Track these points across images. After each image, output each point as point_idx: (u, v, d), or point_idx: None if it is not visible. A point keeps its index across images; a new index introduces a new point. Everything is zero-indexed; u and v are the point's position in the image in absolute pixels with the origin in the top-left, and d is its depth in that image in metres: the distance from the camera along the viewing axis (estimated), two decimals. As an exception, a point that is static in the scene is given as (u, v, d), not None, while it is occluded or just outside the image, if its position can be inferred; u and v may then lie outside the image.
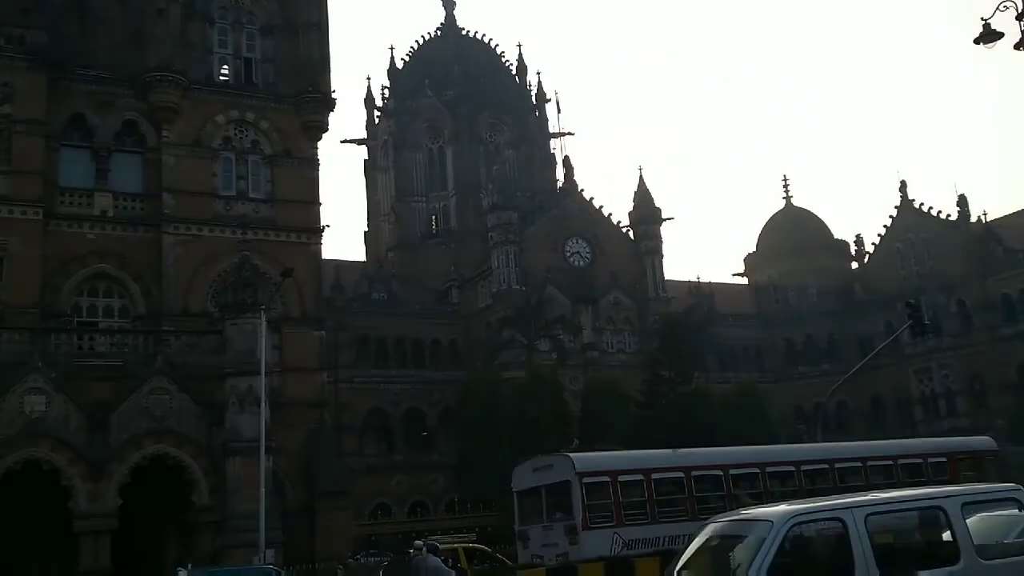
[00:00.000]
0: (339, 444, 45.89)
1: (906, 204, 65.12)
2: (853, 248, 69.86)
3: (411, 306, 60.12)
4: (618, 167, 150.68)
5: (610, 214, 64.56)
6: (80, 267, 32.29)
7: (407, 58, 77.95)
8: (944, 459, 22.30)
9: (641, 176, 65.72)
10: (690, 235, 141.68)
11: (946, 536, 9.15)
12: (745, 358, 66.79)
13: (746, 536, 8.58)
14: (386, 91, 76.70)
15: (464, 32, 78.68)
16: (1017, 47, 13.75)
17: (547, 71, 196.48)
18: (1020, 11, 13.73)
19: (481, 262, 61.58)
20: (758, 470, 20.18)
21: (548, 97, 77.32)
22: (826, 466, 20.97)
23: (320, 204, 36.87)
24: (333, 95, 37.71)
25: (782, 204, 73.61)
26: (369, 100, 77.96)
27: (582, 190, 64.66)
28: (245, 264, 28.25)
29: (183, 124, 34.78)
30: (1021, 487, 9.69)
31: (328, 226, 37.64)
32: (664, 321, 55.60)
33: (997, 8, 13.88)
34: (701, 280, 68.32)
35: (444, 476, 54.06)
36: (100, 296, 32.96)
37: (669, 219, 65.59)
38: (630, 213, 64.80)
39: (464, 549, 23.76)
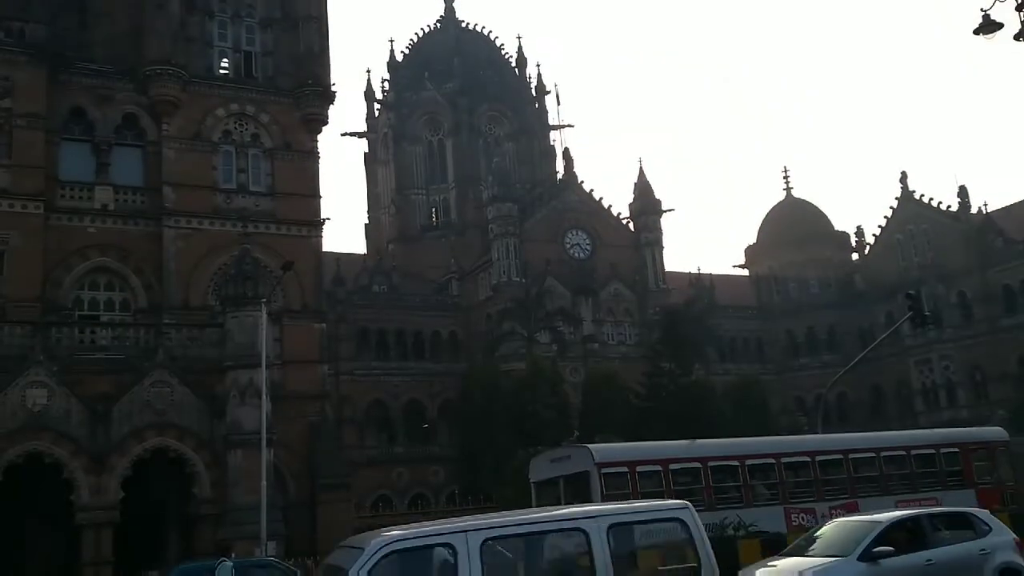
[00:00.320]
0: (340, 436, 46.02)
1: (906, 195, 65.10)
2: (854, 239, 69.87)
3: (411, 298, 60.14)
4: (618, 159, 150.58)
5: (610, 206, 64.58)
6: (81, 261, 32.34)
7: (407, 51, 77.88)
8: (956, 449, 22.51)
9: (641, 168, 65.76)
10: (690, 227, 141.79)
11: (585, 562, 8.09)
12: (746, 350, 66.88)
13: (346, 568, 7.68)
14: (386, 84, 76.61)
15: (464, 24, 78.56)
16: (1017, 37, 13.71)
17: (547, 63, 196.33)
18: (1020, 1, 13.70)
19: (481, 254, 61.61)
20: (773, 461, 20.42)
21: (548, 89, 77.29)
22: (840, 456, 21.19)
23: (320, 197, 36.92)
24: (333, 88, 37.73)
25: (783, 196, 73.60)
26: (369, 93, 77.89)
27: (582, 182, 64.65)
28: (246, 257, 28.29)
29: (183, 117, 34.80)
30: (689, 505, 8.74)
31: (328, 219, 37.75)
32: (664, 313, 55.62)
33: (996, -1, 13.85)
34: (701, 272, 68.34)
35: (444, 468, 54.21)
36: (101, 289, 33.02)
37: (669, 211, 65.58)
38: (630, 205, 64.78)
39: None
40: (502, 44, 79.44)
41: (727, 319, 64.75)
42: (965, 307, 60.34)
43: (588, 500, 18.33)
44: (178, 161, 34.39)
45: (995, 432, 25.25)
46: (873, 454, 21.54)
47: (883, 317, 60.45)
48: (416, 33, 78.95)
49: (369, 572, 7.46)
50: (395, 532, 8.22)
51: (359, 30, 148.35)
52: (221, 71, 37.11)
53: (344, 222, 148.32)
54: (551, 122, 76.65)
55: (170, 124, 34.50)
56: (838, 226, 72.02)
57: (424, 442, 56.02)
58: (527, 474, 33.94)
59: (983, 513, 12.87)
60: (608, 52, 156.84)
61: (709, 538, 8.70)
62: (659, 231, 64.13)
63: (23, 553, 26.32)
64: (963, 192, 62.24)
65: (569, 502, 19.24)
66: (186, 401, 26.09)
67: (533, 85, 77.43)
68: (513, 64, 78.24)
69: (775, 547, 15.54)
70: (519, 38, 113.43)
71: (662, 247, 63.84)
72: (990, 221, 60.64)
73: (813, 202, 74.00)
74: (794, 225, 68.97)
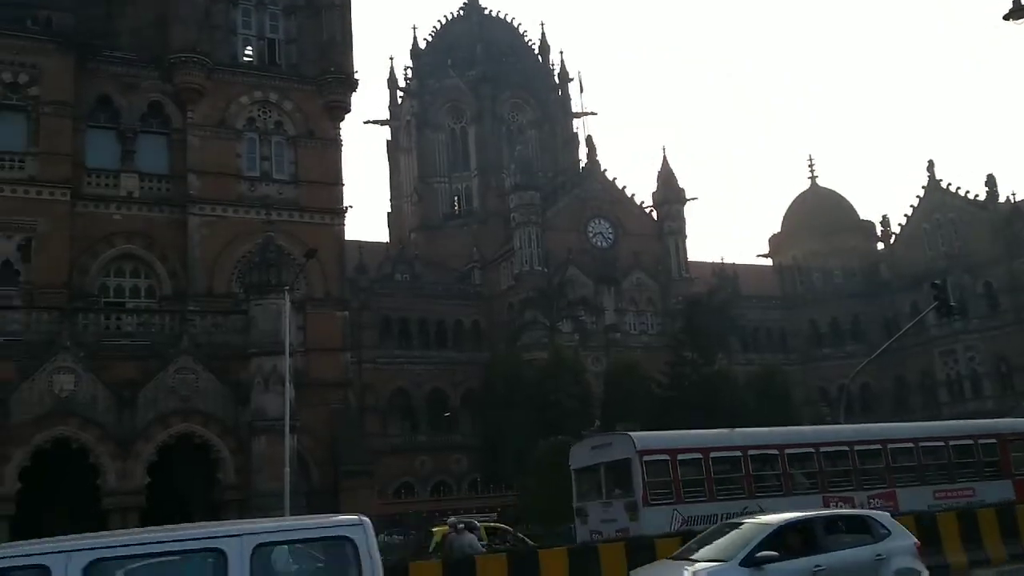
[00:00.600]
0: (363, 424, 46.27)
1: (933, 184, 64.44)
2: (879, 229, 69.32)
3: (434, 287, 60.29)
4: (642, 147, 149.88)
5: (633, 194, 64.34)
6: (107, 248, 32.57)
7: (430, 38, 77.81)
8: (994, 440, 22.48)
9: (665, 156, 65.68)
10: (714, 216, 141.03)
11: None
12: (769, 340, 66.56)
13: None
14: (409, 71, 76.63)
15: (487, 12, 78.41)
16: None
17: (570, 50, 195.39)
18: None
19: (503, 243, 61.59)
20: (813, 450, 20.47)
21: (571, 76, 77.07)
22: (879, 446, 21.22)
23: (343, 185, 36.94)
24: (356, 76, 37.70)
25: (807, 184, 73.06)
26: (392, 81, 77.97)
27: (605, 170, 64.41)
28: (269, 245, 28.34)
29: (208, 105, 34.92)
30: (365, 522, 7.42)
31: (351, 207, 37.78)
32: (687, 302, 55.44)
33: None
34: (725, 261, 68.07)
35: (467, 456, 54.42)
36: (127, 276, 33.26)
37: (693, 199, 65.32)
38: (653, 193, 64.49)
39: (486, 528, 23.97)
40: (525, 31, 79.32)
41: (750, 309, 64.50)
42: (991, 297, 59.75)
43: (629, 488, 18.45)
44: (203, 149, 34.54)
45: None
46: (911, 444, 21.55)
47: (908, 307, 59.96)
48: (439, 20, 79.00)
49: None
50: None
51: (382, 17, 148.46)
52: (245, 58, 37.19)
53: (367, 210, 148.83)
54: (574, 109, 76.43)
55: (195, 112, 34.63)
56: (863, 215, 71.58)
57: (447, 430, 56.24)
58: (549, 463, 34.27)
59: (882, 516, 12.38)
60: (633, 35, 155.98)
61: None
62: (682, 220, 63.84)
63: (51, 535, 26.63)
64: (991, 181, 61.59)
65: (610, 489, 19.37)
66: (211, 387, 26.22)
67: (556, 72, 77.18)
68: (536, 51, 78.03)
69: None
70: (542, 25, 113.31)
71: (685, 236, 63.58)
72: (1018, 210, 59.94)
73: (839, 191, 73.52)
74: (819, 214, 68.46)
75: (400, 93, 77.18)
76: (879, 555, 11.22)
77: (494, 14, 78.61)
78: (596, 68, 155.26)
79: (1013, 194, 61.82)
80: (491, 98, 72.07)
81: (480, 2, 78.81)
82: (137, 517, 24.75)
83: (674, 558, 11.87)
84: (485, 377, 53.39)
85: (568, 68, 77.37)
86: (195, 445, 25.96)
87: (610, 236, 61.92)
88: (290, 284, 27.13)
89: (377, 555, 7.27)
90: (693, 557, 11.30)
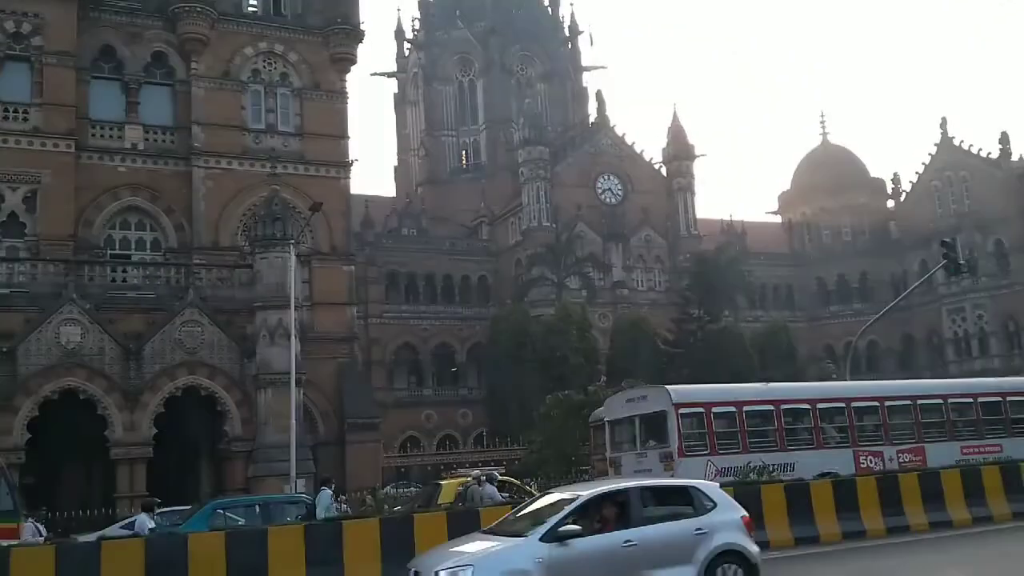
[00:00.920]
0: (368, 378, 46.45)
1: (946, 141, 63.75)
2: (890, 186, 68.81)
3: (441, 242, 60.15)
4: (651, 104, 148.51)
5: (642, 150, 63.79)
6: (112, 200, 32.48)
7: (438, -11, 76.71)
8: (1023, 398, 22.39)
9: (675, 112, 65.16)
10: (724, 173, 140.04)
11: None
12: (776, 297, 66.43)
13: None
14: (416, 23, 75.71)
15: (496, -39, 77.10)
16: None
17: (580, 2, 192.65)
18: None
19: (511, 198, 61.28)
20: (843, 404, 20.64)
21: (581, 30, 76.04)
22: (908, 402, 21.40)
23: (349, 138, 36.72)
24: (362, 27, 37.29)
25: (819, 141, 72.36)
26: (399, 32, 77.07)
27: (614, 126, 63.84)
28: (275, 198, 28.22)
29: (212, 56, 34.57)
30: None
31: (357, 160, 37.50)
32: (695, 259, 55.22)
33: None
34: (734, 219, 67.72)
35: (473, 410, 54.72)
36: (132, 229, 33.21)
37: (702, 156, 64.83)
38: (663, 149, 63.96)
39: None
40: (535, -18, 77.99)
41: (758, 266, 64.20)
42: (1002, 256, 59.39)
43: (665, 439, 18.77)
44: (207, 100, 34.25)
45: None
46: (940, 400, 21.69)
47: (917, 265, 59.68)
48: (448, -29, 77.68)
49: None
50: None
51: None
52: (250, 8, 36.72)
53: (374, 165, 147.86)
54: (584, 63, 75.54)
55: (199, 62, 34.29)
56: (874, 173, 70.88)
57: (453, 385, 56.51)
58: (554, 417, 34.41)
59: (709, 487, 11.30)
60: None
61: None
62: (691, 176, 63.37)
63: (63, 483, 26.93)
64: (1004, 139, 60.91)
65: (644, 440, 19.69)
66: (216, 340, 26.29)
67: (566, 25, 76.19)
68: (546, 3, 76.94)
69: (796, 494, 15.49)
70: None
71: (694, 193, 63.19)
72: (1031, 169, 59.28)
73: (849, 148, 72.77)
74: (829, 171, 67.87)
75: (407, 45, 76.32)
76: (699, 529, 10.35)
77: (503, -36, 77.38)
78: (608, 21, 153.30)
79: (1027, 151, 61.20)
80: (500, 50, 71.24)
81: (489, -48, 77.54)
82: (144, 468, 25.00)
83: (488, 531, 10.95)
84: (492, 332, 53.45)
85: (578, 21, 76.42)
86: (201, 397, 26.11)
87: (619, 192, 61.54)
88: (295, 238, 27.07)
89: None
90: (499, 531, 10.58)
